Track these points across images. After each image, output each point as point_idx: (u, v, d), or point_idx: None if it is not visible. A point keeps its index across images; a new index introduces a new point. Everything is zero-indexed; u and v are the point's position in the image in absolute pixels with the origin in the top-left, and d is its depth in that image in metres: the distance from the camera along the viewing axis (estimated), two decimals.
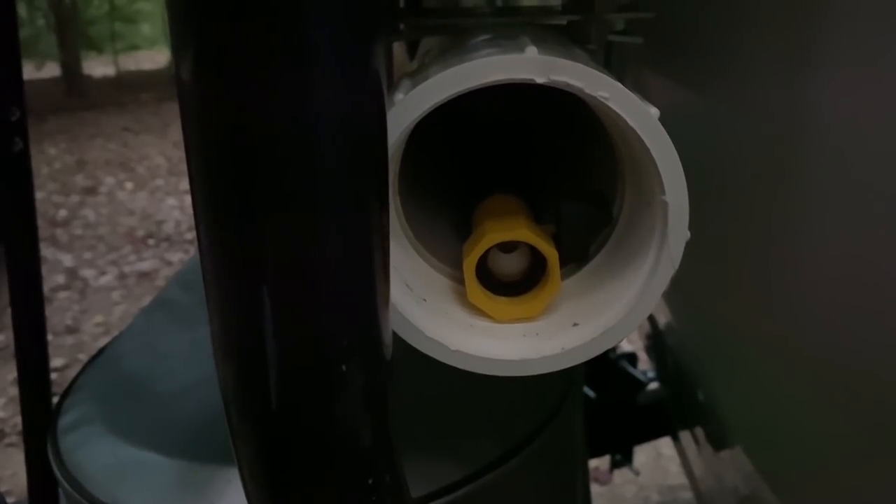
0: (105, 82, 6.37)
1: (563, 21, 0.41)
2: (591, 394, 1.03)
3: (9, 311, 0.74)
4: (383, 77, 0.23)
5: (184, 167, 0.23)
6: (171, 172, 3.70)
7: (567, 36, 0.40)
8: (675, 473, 1.42)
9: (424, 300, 0.32)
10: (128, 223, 3.00)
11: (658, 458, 1.47)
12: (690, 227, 0.29)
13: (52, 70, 6.03)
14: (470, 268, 0.32)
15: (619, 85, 0.27)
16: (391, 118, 0.26)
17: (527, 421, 0.51)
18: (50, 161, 3.90)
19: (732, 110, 0.45)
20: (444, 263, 0.35)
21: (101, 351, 0.66)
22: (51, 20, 6.23)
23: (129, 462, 0.49)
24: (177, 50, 0.22)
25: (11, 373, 1.13)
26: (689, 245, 0.29)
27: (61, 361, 1.86)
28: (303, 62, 0.21)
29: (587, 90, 0.27)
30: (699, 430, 0.76)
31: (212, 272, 0.23)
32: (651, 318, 0.88)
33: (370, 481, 0.26)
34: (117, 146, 4.29)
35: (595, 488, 1.38)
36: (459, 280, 0.34)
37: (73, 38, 6.11)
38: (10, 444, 1.60)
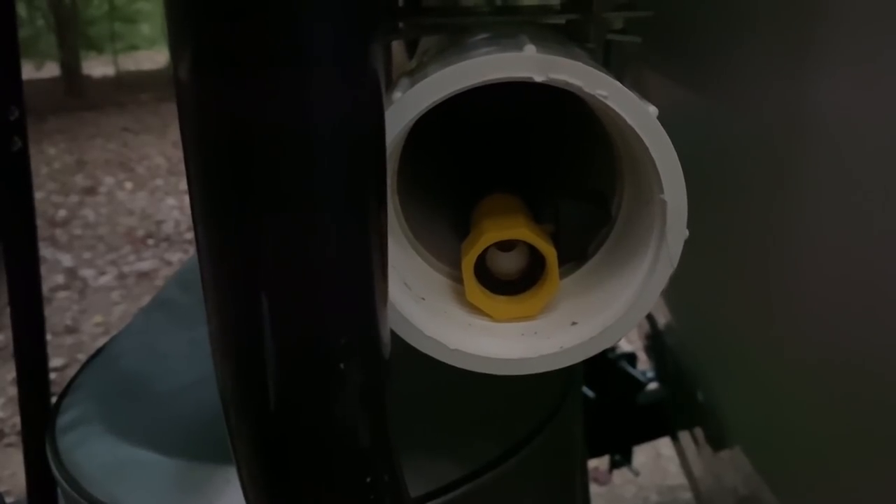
0: (105, 82, 6.37)
1: (561, 20, 0.41)
2: (590, 394, 1.03)
3: (8, 310, 0.74)
4: (382, 76, 0.23)
5: (183, 167, 0.23)
6: (170, 172, 3.70)
7: (566, 35, 0.40)
8: (674, 474, 1.42)
9: (423, 299, 0.32)
10: (127, 223, 3.00)
11: (657, 458, 1.47)
12: (689, 226, 0.29)
13: (51, 70, 6.03)
14: (468, 266, 0.32)
15: (618, 83, 0.27)
16: (389, 117, 0.26)
17: (526, 420, 0.51)
18: (49, 161, 3.90)
19: (731, 109, 0.45)
20: (443, 262, 0.35)
21: (100, 350, 0.66)
22: (50, 20, 6.23)
23: (127, 461, 0.49)
24: (175, 50, 0.22)
25: (10, 372, 1.13)
26: (687, 244, 0.29)
27: (60, 361, 1.86)
28: (301, 61, 0.21)
29: (586, 88, 0.27)
30: (698, 431, 0.76)
31: (210, 271, 0.23)
32: (650, 318, 0.88)
33: (368, 480, 0.26)
34: (117, 146, 4.29)
35: (594, 488, 1.38)
36: (458, 279, 0.34)
37: (72, 38, 6.11)
38: (9, 444, 1.60)
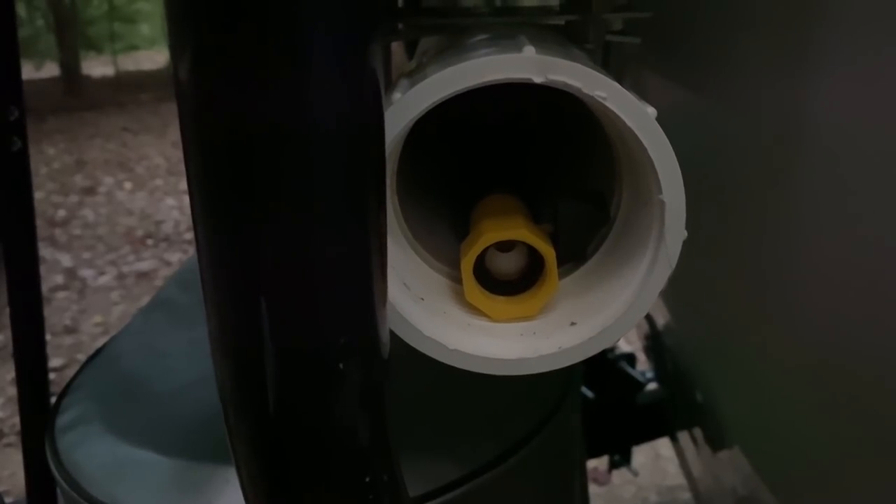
0: (104, 82, 6.36)
1: (560, 21, 0.41)
2: (589, 394, 1.03)
3: (7, 310, 0.74)
4: (381, 76, 0.23)
5: (182, 167, 0.23)
6: (170, 172, 3.70)
7: (565, 36, 0.40)
8: (673, 474, 1.42)
9: (422, 299, 0.32)
10: (127, 223, 2.99)
11: (656, 458, 1.47)
12: (687, 227, 0.29)
13: (51, 70, 6.02)
14: (468, 267, 0.32)
15: (617, 85, 0.27)
16: (389, 117, 0.26)
17: (525, 420, 0.51)
18: (49, 161, 3.90)
19: (730, 110, 0.45)
20: (442, 262, 0.35)
21: (100, 350, 0.66)
22: (50, 20, 6.22)
23: (127, 461, 0.49)
24: (174, 50, 0.22)
25: (10, 373, 1.13)
26: (686, 244, 0.29)
27: (60, 361, 1.86)
28: (300, 62, 0.21)
29: (585, 90, 0.27)
30: (697, 431, 0.76)
31: (210, 271, 0.23)
32: (649, 319, 0.88)
33: (367, 480, 0.26)
34: (116, 146, 4.29)
35: (593, 489, 1.38)
36: (457, 279, 0.34)
37: (72, 38, 6.11)
38: (8, 444, 1.60)
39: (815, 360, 0.41)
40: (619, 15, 0.42)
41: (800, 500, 0.49)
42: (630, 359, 1.10)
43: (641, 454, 1.36)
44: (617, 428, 1.07)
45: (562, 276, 0.34)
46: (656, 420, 1.03)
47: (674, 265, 0.29)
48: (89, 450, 0.51)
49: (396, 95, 0.27)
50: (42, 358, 0.76)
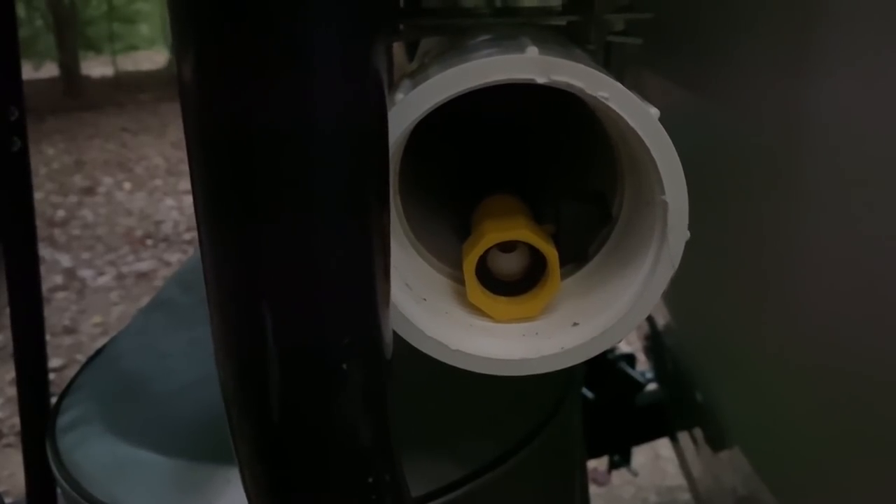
0: (103, 82, 6.36)
1: (562, 21, 0.41)
2: (589, 394, 1.03)
3: (7, 311, 0.74)
4: (384, 77, 0.23)
5: (182, 167, 0.23)
6: (169, 173, 3.70)
7: (566, 36, 0.40)
8: (673, 474, 1.42)
9: (424, 300, 0.32)
10: (126, 223, 2.99)
11: (656, 458, 1.47)
12: (690, 228, 0.29)
13: (50, 70, 6.02)
14: (470, 267, 0.32)
15: (620, 85, 0.27)
16: (391, 118, 0.26)
17: (526, 421, 0.51)
18: (48, 161, 3.90)
19: (732, 111, 0.45)
20: (444, 263, 0.35)
21: (100, 351, 0.66)
22: (49, 20, 6.22)
23: (127, 462, 0.49)
24: (178, 50, 0.22)
25: (10, 373, 1.13)
26: (687, 245, 0.29)
27: (59, 362, 1.86)
28: (304, 62, 0.21)
29: (587, 90, 0.27)
30: (697, 431, 0.76)
31: (213, 271, 0.23)
32: (650, 319, 0.88)
33: (370, 480, 0.26)
34: (115, 146, 4.29)
35: (593, 489, 1.38)
36: (459, 280, 0.34)
37: (71, 39, 6.10)
38: (8, 445, 1.59)
39: (816, 361, 0.41)
40: (621, 16, 0.42)
41: (800, 500, 0.49)
42: (630, 359, 1.10)
43: (641, 455, 1.36)
44: (617, 428, 1.07)
45: (564, 276, 0.34)
46: (656, 420, 1.03)
47: (676, 266, 0.29)
48: (90, 450, 0.51)
49: (399, 96, 0.27)
50: (42, 358, 0.76)
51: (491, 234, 0.32)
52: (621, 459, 1.12)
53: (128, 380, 0.58)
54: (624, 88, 0.27)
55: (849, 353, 0.37)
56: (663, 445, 1.23)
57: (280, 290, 0.23)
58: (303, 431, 0.25)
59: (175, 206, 3.18)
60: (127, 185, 3.53)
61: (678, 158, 0.27)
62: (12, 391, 0.96)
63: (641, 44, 0.45)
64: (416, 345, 0.30)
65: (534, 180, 0.42)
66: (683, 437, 0.86)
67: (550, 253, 0.32)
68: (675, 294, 0.62)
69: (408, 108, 0.27)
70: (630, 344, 1.39)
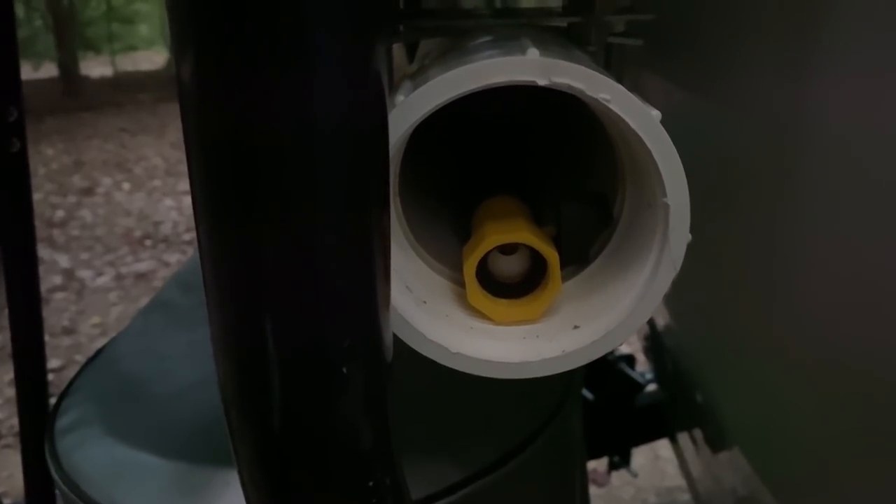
0: (102, 83, 6.36)
1: (563, 23, 0.41)
2: (589, 395, 1.03)
3: (6, 311, 0.74)
4: (385, 79, 0.23)
5: (181, 168, 0.23)
6: (168, 173, 3.70)
7: (567, 38, 0.40)
8: (672, 475, 1.42)
9: (425, 302, 0.32)
10: (125, 224, 2.99)
11: (656, 459, 1.47)
12: (690, 229, 0.29)
13: (49, 70, 6.01)
14: (470, 270, 0.32)
15: (621, 87, 0.27)
16: (392, 120, 0.26)
17: (526, 423, 0.51)
18: (47, 162, 3.89)
19: (733, 112, 0.45)
20: (445, 265, 0.35)
21: (99, 352, 0.66)
22: (48, 21, 6.22)
23: (126, 464, 0.49)
24: (177, 51, 0.22)
25: (8, 374, 1.13)
26: (688, 247, 0.29)
27: (58, 362, 1.85)
28: (304, 63, 0.21)
29: (588, 92, 0.27)
30: (697, 432, 0.76)
31: (212, 273, 0.23)
32: (649, 320, 0.88)
33: (370, 483, 0.26)
34: (114, 147, 4.28)
35: (593, 490, 1.38)
36: (460, 282, 0.34)
37: (70, 39, 6.10)
38: (7, 446, 1.59)
39: (816, 361, 0.41)
40: (622, 17, 0.42)
41: (800, 500, 0.49)
42: (630, 360, 1.10)
43: (641, 455, 1.36)
44: (616, 429, 1.07)
45: (565, 278, 0.34)
46: (656, 421, 1.03)
47: (678, 268, 0.29)
48: (89, 452, 0.51)
49: (399, 98, 0.27)
50: (41, 359, 0.76)
51: (491, 236, 0.32)
52: (621, 460, 1.12)
53: (127, 382, 0.58)
54: (625, 90, 0.27)
55: (849, 354, 0.37)
56: (663, 446, 1.23)
57: (279, 292, 0.23)
58: (302, 434, 0.24)
59: (174, 206, 3.18)
60: (126, 186, 3.53)
61: (679, 160, 0.27)
62: (11, 392, 0.96)
63: (642, 45, 0.44)
64: (416, 348, 0.30)
65: (534, 182, 0.42)
66: (683, 437, 0.86)
67: (551, 255, 0.32)
68: (675, 295, 0.62)
69: (408, 110, 0.27)
70: (630, 344, 1.39)
